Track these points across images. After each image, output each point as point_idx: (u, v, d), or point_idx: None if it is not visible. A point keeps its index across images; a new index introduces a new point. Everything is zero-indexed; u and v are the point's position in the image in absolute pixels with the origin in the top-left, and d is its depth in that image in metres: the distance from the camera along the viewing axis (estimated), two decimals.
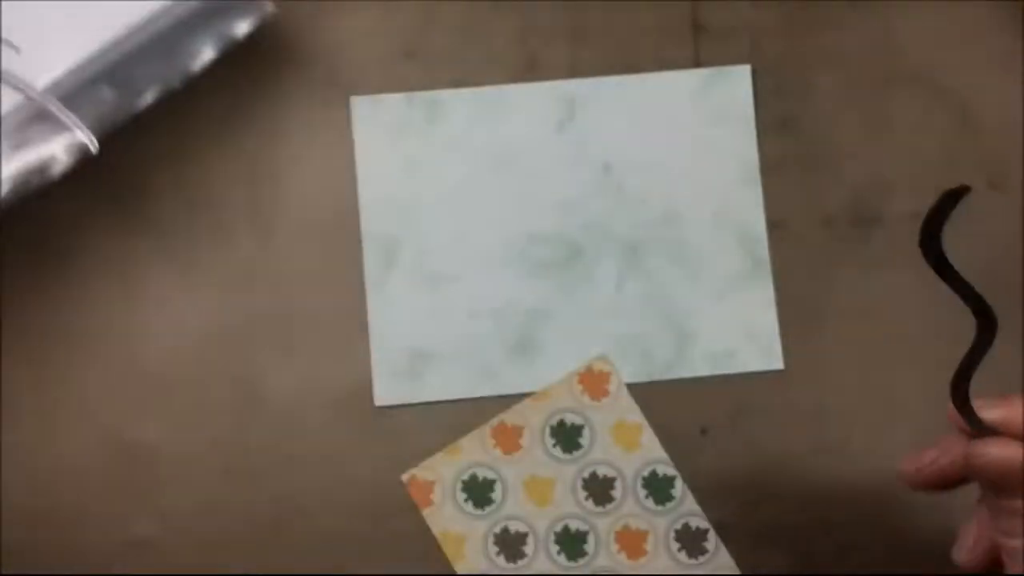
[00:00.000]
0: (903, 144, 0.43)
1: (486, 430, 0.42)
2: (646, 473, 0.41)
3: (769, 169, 0.42)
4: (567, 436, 0.41)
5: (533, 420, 0.41)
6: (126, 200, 0.42)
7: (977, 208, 0.43)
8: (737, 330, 0.42)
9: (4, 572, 0.41)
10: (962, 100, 0.43)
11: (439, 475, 0.41)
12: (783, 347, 0.42)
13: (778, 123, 0.43)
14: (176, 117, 0.42)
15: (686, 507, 0.41)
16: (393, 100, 0.43)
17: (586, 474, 0.41)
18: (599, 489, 0.41)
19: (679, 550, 0.41)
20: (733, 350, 0.42)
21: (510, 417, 0.42)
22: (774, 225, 0.42)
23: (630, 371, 0.42)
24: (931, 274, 0.42)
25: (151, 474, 0.41)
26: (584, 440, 0.41)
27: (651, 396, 0.42)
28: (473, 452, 0.41)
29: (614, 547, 0.41)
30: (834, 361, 0.42)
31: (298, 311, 0.42)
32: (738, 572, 0.41)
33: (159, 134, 0.42)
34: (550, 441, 0.41)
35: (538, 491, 0.41)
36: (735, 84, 0.43)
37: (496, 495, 0.41)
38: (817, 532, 0.42)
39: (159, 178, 0.42)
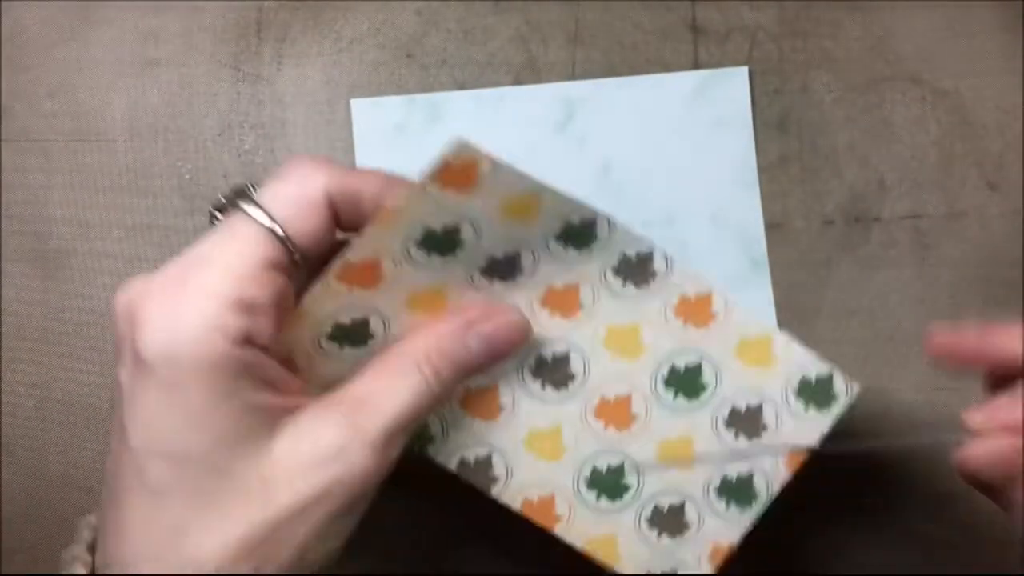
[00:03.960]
0: (901, 144, 0.43)
1: None
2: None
3: (767, 170, 0.42)
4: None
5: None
6: (127, 200, 0.42)
7: (977, 208, 0.43)
8: None
9: (4, 572, 0.41)
10: (961, 100, 0.43)
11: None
12: None
13: (776, 124, 0.43)
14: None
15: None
16: (393, 102, 0.43)
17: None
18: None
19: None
20: None
21: None
22: (772, 225, 0.42)
23: None
24: (930, 274, 0.43)
25: None
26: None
27: None
28: None
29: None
30: (832, 360, 0.42)
31: None
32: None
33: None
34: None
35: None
36: (733, 85, 0.43)
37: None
38: (817, 532, 0.42)
39: (160, 178, 0.42)
